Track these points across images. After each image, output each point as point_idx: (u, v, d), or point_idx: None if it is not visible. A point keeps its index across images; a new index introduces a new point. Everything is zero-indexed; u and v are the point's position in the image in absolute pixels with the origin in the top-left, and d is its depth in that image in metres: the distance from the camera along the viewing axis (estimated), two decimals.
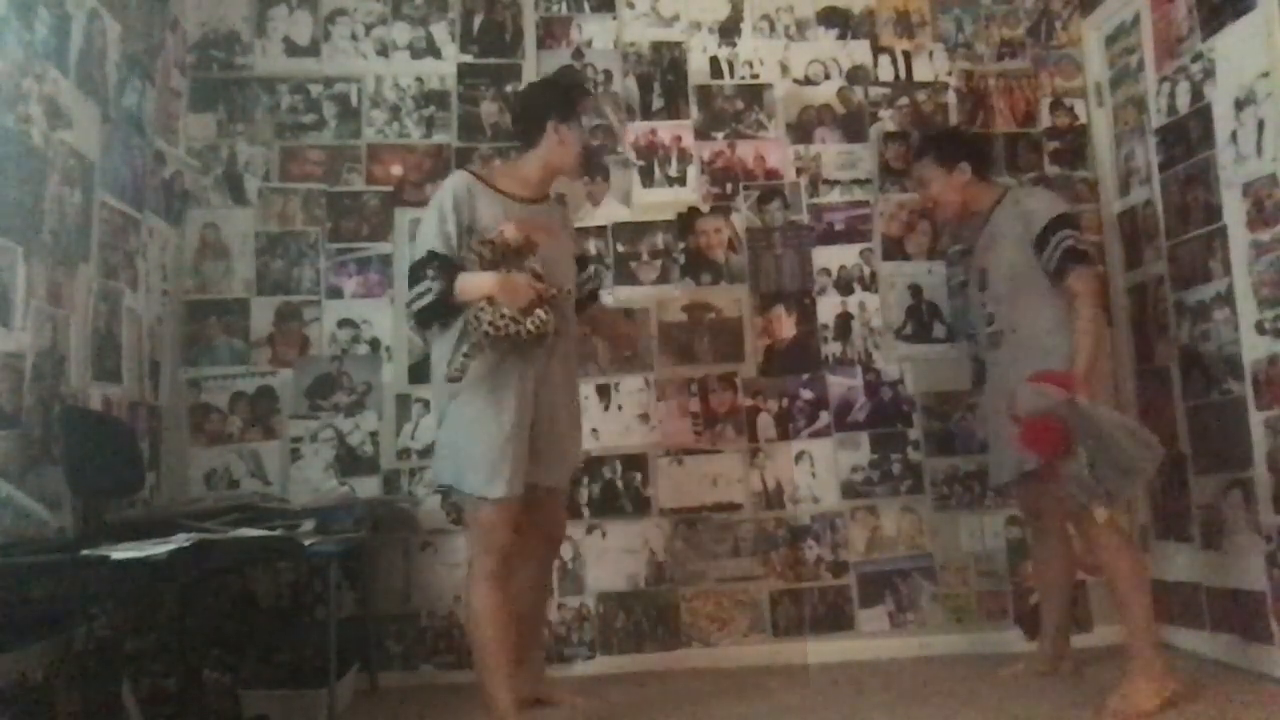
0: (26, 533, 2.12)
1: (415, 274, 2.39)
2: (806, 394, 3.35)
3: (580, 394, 2.79)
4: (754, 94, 3.52)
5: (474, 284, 2.30)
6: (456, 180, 2.47)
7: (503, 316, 2.25)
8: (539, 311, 2.29)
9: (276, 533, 2.40)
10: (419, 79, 3.45)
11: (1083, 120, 3.52)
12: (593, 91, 2.62)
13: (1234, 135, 2.73)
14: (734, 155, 3.48)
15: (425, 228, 2.43)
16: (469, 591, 2.42)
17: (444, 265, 2.34)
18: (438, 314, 2.38)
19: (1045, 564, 2.87)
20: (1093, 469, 2.34)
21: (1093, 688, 2.63)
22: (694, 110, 3.50)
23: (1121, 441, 2.32)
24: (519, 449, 2.37)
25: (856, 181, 3.48)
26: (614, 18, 3.53)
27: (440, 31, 3.49)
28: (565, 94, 2.58)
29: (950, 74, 3.56)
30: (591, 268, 2.90)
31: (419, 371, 3.25)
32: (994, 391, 2.83)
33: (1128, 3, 3.26)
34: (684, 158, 3.48)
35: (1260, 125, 2.63)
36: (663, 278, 3.40)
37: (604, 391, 3.32)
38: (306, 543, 2.43)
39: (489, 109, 3.43)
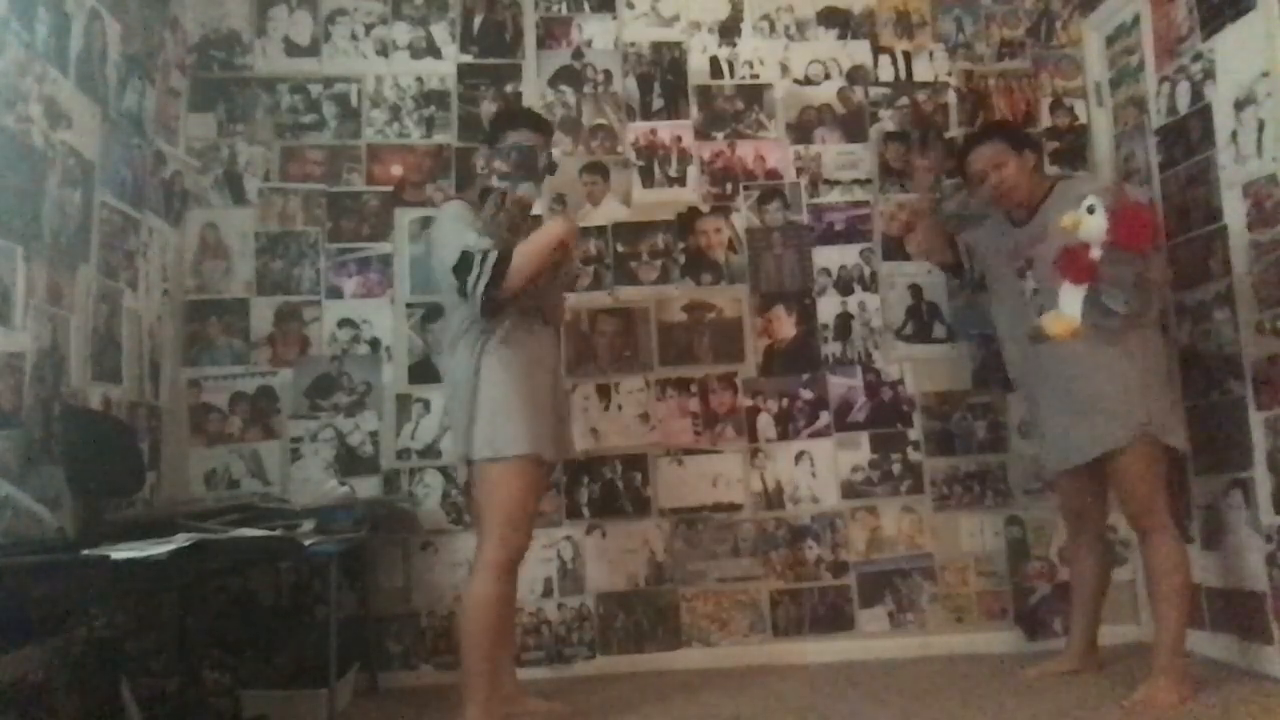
0: (26, 533, 2.12)
1: (466, 265, 2.35)
2: (806, 394, 3.35)
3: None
4: (754, 94, 3.52)
5: (536, 242, 2.40)
6: (458, 205, 2.55)
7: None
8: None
9: (276, 533, 2.40)
10: (419, 79, 3.45)
11: (1083, 120, 3.52)
12: (524, 118, 2.68)
13: (1234, 135, 2.74)
14: (734, 155, 3.48)
15: (452, 235, 2.42)
16: (476, 580, 2.37)
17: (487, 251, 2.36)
18: (497, 283, 2.35)
19: (1080, 563, 2.86)
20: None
21: (1104, 688, 2.64)
22: (694, 110, 3.50)
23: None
24: (551, 416, 2.48)
25: (856, 181, 3.48)
26: (614, 18, 3.53)
27: (440, 31, 3.49)
28: (492, 124, 2.69)
29: (950, 74, 3.56)
30: None
31: (419, 371, 3.25)
32: (1041, 382, 2.74)
33: (1128, 3, 3.26)
34: (684, 158, 3.48)
35: (1260, 125, 2.63)
36: (663, 278, 3.40)
37: (604, 391, 3.32)
38: (306, 543, 2.43)
39: (489, 109, 3.42)
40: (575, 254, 2.56)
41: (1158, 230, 2.42)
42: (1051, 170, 3.44)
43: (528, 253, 2.39)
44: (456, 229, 2.44)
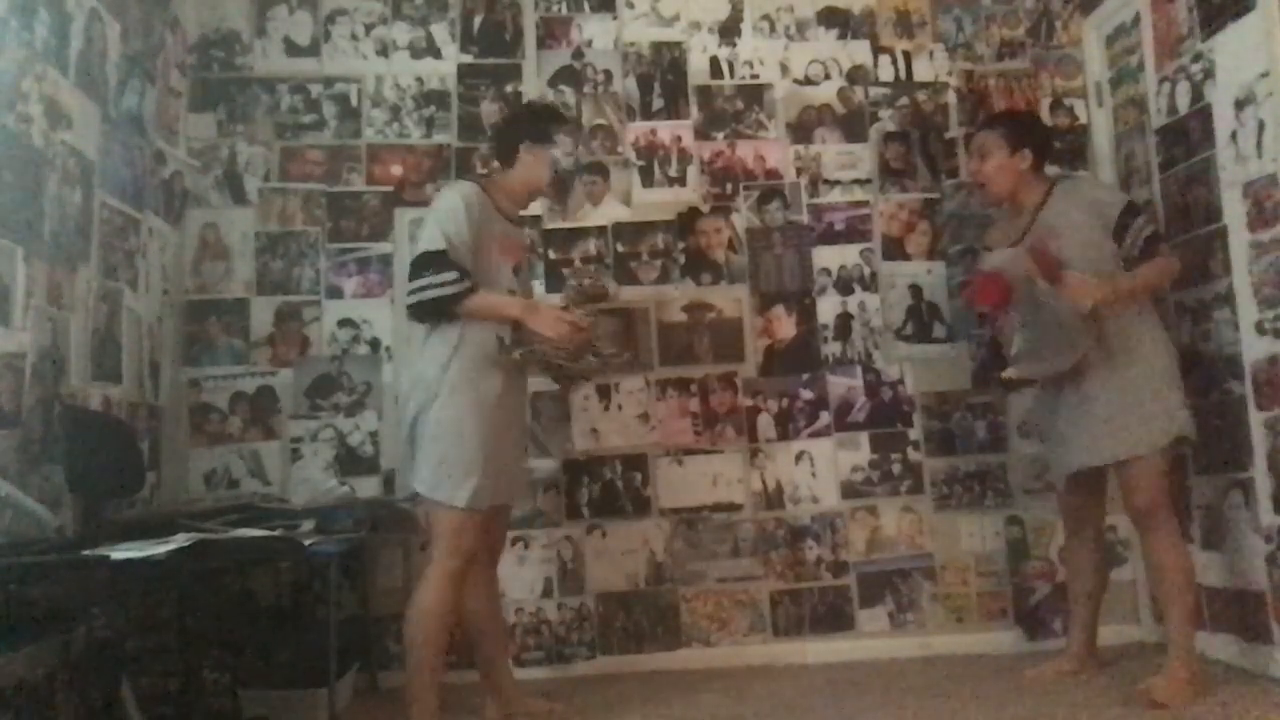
0: (26, 533, 2.12)
1: (426, 264, 2.41)
2: (806, 394, 3.35)
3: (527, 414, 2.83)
4: (754, 94, 3.52)
5: (497, 304, 2.43)
6: (471, 190, 2.53)
7: (559, 352, 2.44)
8: (591, 358, 2.50)
9: (276, 533, 2.40)
10: (419, 79, 3.45)
11: (1083, 120, 3.52)
12: (567, 118, 2.73)
13: (1234, 135, 2.73)
14: (734, 155, 3.48)
15: (441, 225, 2.43)
16: (424, 588, 2.40)
17: (462, 273, 2.39)
18: (441, 311, 2.42)
19: (1079, 564, 2.85)
20: (1022, 330, 2.72)
21: (1105, 688, 2.64)
22: (694, 110, 3.50)
23: (1054, 331, 2.59)
24: (498, 463, 2.44)
25: (856, 181, 3.48)
26: (614, 18, 3.53)
27: (440, 31, 3.49)
28: (536, 119, 2.68)
29: (950, 74, 3.55)
30: None
31: None
32: (1052, 386, 2.74)
33: (1128, 3, 3.26)
34: (684, 158, 3.48)
35: (1260, 125, 2.63)
36: (663, 278, 3.40)
37: (604, 391, 3.32)
38: (306, 543, 2.43)
39: (489, 109, 3.43)
40: (568, 345, 2.47)
41: (1006, 294, 2.63)
42: (1052, 171, 3.42)
43: (487, 305, 2.42)
44: (447, 221, 2.43)
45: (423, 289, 2.40)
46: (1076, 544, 2.86)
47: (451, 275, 2.38)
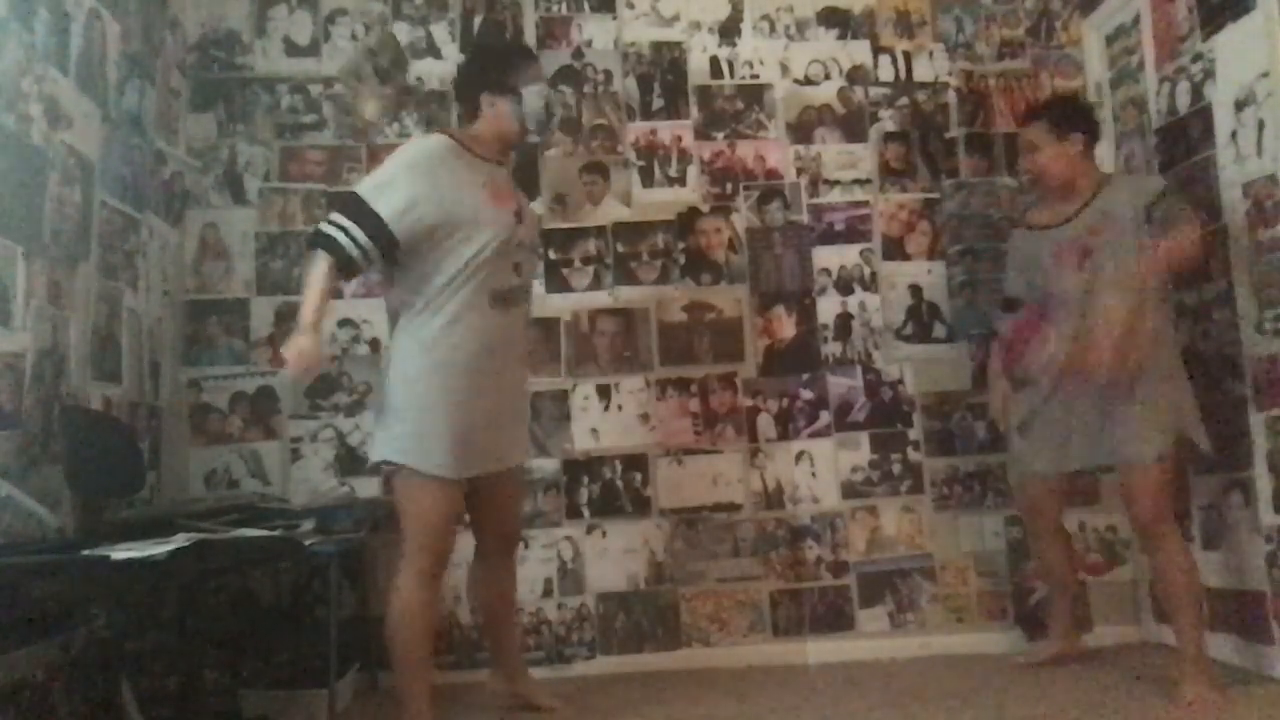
0: (26, 533, 2.12)
1: (354, 206, 2.30)
2: (806, 394, 3.35)
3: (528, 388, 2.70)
4: (754, 94, 3.52)
5: (309, 301, 2.33)
6: (437, 143, 2.42)
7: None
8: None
9: (276, 533, 2.40)
10: (419, 79, 3.45)
11: None
12: (526, 56, 2.58)
13: (1234, 135, 2.74)
14: (734, 155, 3.48)
15: (385, 175, 2.34)
16: (396, 593, 2.32)
17: (376, 238, 2.28)
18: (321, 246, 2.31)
19: (1048, 562, 2.87)
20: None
21: (1105, 687, 2.64)
22: (694, 110, 3.50)
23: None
24: (472, 432, 2.33)
25: (856, 181, 3.48)
26: (614, 18, 3.53)
27: (440, 31, 3.49)
28: (492, 67, 2.53)
29: (950, 74, 3.55)
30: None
31: None
32: (1042, 387, 2.77)
33: (1128, 3, 3.26)
34: (684, 158, 3.47)
35: (1260, 125, 2.63)
36: (663, 278, 3.40)
37: (604, 391, 3.32)
38: (306, 543, 2.43)
39: None
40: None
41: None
42: None
43: (309, 291, 2.33)
44: (397, 175, 2.31)
45: (332, 219, 2.30)
46: (1040, 542, 2.88)
47: (360, 233, 2.26)
